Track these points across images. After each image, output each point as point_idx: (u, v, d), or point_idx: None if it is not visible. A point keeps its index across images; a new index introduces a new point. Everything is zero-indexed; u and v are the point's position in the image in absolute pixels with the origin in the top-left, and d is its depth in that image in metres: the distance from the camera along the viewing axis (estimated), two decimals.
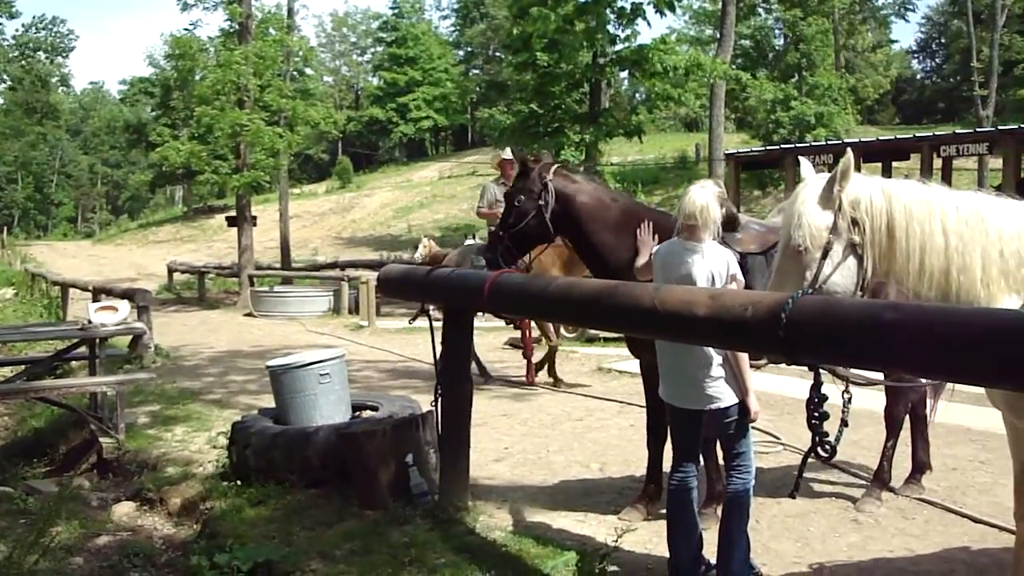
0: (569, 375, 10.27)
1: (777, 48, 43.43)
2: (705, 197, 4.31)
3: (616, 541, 4.75)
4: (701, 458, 4.94)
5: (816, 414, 3.22)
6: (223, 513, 5.84)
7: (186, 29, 25.02)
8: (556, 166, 5.51)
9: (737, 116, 44.27)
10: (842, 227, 3.41)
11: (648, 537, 5.14)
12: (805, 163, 3.79)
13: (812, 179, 3.56)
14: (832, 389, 3.46)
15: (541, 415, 8.56)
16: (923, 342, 2.63)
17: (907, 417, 5.82)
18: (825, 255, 3.40)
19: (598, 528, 5.32)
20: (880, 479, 5.76)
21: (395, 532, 5.19)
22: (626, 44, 23.10)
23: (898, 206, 3.45)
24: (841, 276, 3.41)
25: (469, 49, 74.91)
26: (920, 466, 5.89)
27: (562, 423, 8.20)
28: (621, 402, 8.75)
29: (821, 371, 3.34)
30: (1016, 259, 3.49)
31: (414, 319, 5.94)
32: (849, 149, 3.54)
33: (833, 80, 36.72)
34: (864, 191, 3.46)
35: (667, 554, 4.55)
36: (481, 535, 5.20)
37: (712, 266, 4.24)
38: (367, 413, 6.90)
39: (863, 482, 5.99)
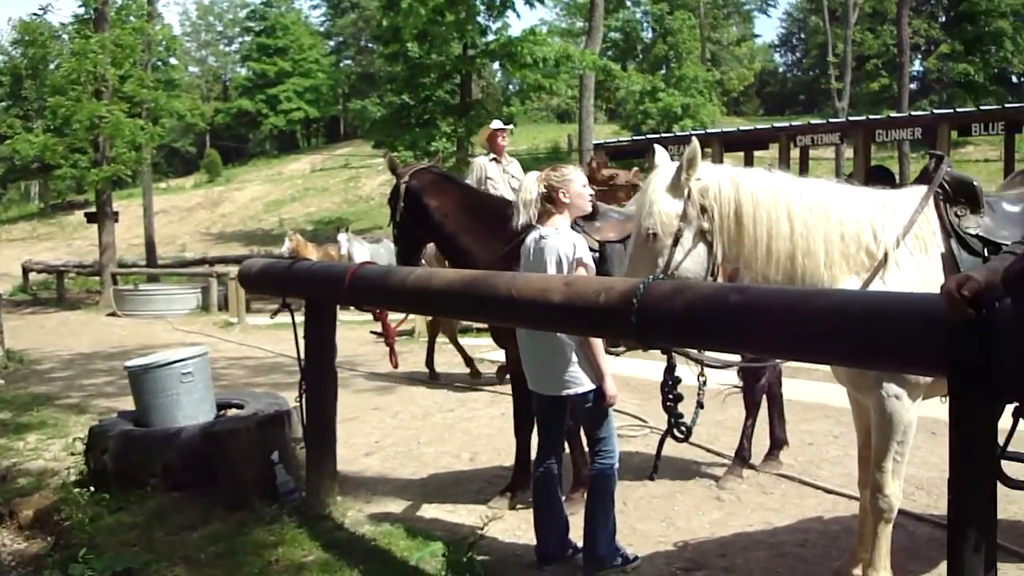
0: (442, 366, 10.27)
1: (645, 41, 44.39)
2: (526, 180, 4.47)
3: (483, 530, 4.77)
4: (567, 445, 5.03)
5: (670, 397, 3.29)
6: (79, 523, 5.59)
7: (35, 14, 23.85)
8: (416, 168, 5.58)
9: (608, 107, 45.03)
10: (692, 214, 3.51)
11: (517, 524, 5.17)
12: (660, 151, 3.87)
13: (663, 168, 3.64)
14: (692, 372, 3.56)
15: (412, 407, 8.53)
16: (766, 323, 2.73)
17: (764, 397, 6.04)
18: (676, 242, 3.49)
19: (468, 518, 5.32)
20: (741, 457, 5.96)
21: (262, 532, 5.08)
22: (497, 36, 23.20)
23: (745, 193, 3.57)
24: (692, 262, 3.50)
25: (340, 39, 73.73)
26: (778, 443, 6.12)
27: (433, 415, 8.19)
28: (493, 391, 8.80)
29: (677, 354, 3.44)
30: (856, 243, 3.66)
31: (275, 314, 5.82)
32: (694, 138, 3.63)
33: (699, 72, 37.79)
34: (712, 179, 3.56)
35: (535, 541, 4.61)
36: (349, 530, 5.15)
37: (560, 249, 4.32)
38: (233, 411, 6.72)
39: (726, 461, 6.19)
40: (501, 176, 8.00)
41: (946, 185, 3.88)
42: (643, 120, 33.62)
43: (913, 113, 17.29)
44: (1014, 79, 54.30)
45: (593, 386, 4.34)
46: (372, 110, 26.67)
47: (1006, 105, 11.48)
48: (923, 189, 3.88)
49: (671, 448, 5.84)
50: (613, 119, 44.23)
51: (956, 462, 2.40)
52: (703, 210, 3.51)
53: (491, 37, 23.03)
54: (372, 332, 12.18)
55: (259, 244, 32.42)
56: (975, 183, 3.93)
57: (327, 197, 44.63)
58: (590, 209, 4.73)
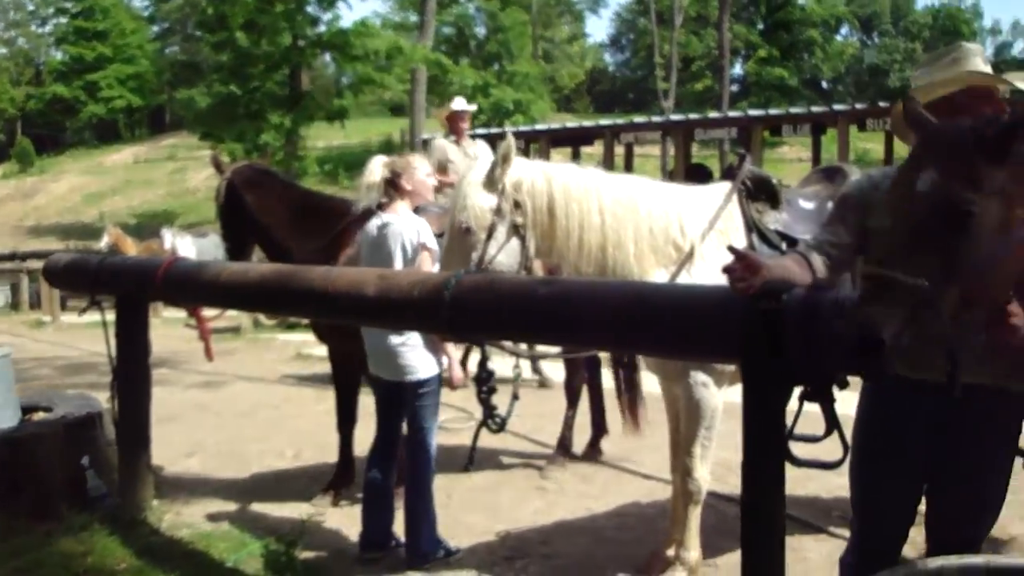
0: (268, 363, 10.05)
1: (478, 37, 44.66)
2: (371, 163, 4.52)
3: (304, 527, 4.70)
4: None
5: (484, 389, 3.32)
6: None
7: None
8: (238, 165, 5.54)
9: (442, 102, 45.14)
10: (505, 209, 3.56)
11: (340, 521, 5.12)
12: (482, 145, 3.90)
13: (478, 163, 3.69)
14: (526, 364, 3.62)
15: (237, 405, 8.31)
16: (573, 315, 2.79)
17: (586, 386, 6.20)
18: (490, 236, 3.53)
19: (291, 516, 5.23)
20: (563, 447, 6.10)
21: (70, 542, 4.81)
22: (327, 27, 22.82)
23: (558, 187, 3.65)
24: (506, 256, 3.56)
25: (165, 25, 70.64)
26: (599, 431, 6.28)
27: (258, 412, 8.01)
28: (322, 387, 8.66)
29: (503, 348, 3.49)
30: (664, 236, 3.81)
31: (84, 311, 5.55)
32: (509, 134, 3.68)
33: (531, 69, 38.33)
34: (526, 174, 3.63)
35: (358, 535, 4.59)
36: (165, 535, 4.96)
37: (404, 234, 4.34)
38: (40, 415, 6.33)
39: (550, 451, 6.31)
40: (463, 159, 7.31)
41: (748, 183, 4.09)
42: (475, 115, 33.91)
43: (729, 114, 18.15)
44: (824, 84, 57.88)
45: (432, 374, 4.36)
46: (199, 100, 25.67)
47: (812, 109, 12.26)
48: (727, 186, 4.08)
49: (497, 440, 5.95)
50: None
51: (748, 444, 2.52)
52: (516, 204, 3.57)
53: (322, 28, 22.68)
54: (187, 325, 11.77)
55: (77, 238, 30.66)
56: (773, 181, 4.17)
57: (151, 190, 42.75)
58: (432, 198, 4.76)
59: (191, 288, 4.42)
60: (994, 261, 2.04)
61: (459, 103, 7.76)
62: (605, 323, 2.74)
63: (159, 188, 42.53)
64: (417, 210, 5.01)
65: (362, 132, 43.76)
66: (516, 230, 3.57)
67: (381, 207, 4.49)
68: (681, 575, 4.12)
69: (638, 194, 3.82)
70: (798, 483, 5.49)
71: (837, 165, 4.92)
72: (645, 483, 5.75)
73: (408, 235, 4.34)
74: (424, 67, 23.04)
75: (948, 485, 2.74)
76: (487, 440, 5.72)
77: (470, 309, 2.95)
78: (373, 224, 4.48)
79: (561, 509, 5.34)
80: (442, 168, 7.30)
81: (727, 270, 2.48)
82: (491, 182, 3.56)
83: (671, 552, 4.28)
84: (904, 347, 2.02)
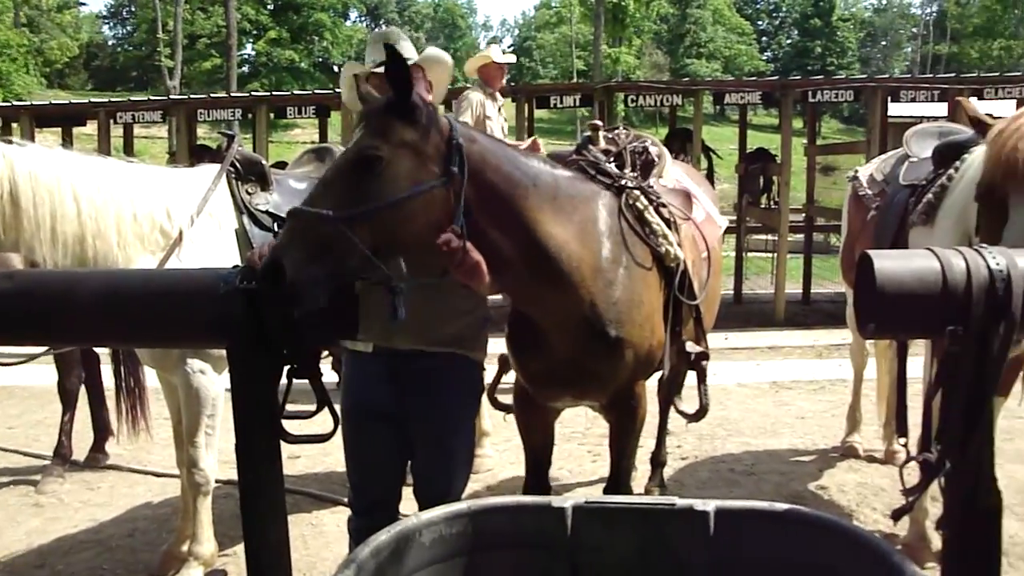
0: None
1: None
2: None
3: None
4: None
5: None
6: None
7: None
8: None
9: None
10: None
11: None
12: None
13: None
14: None
15: None
16: (40, 311, 2.55)
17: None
18: None
19: None
20: (60, 455, 5.60)
21: None
22: None
23: (22, 172, 3.34)
24: None
25: None
26: (104, 434, 5.87)
27: None
28: None
29: None
30: (150, 222, 3.65)
31: None
32: None
33: (12, 38, 34.60)
34: None
35: None
36: None
37: None
38: None
39: (47, 462, 5.76)
40: (497, 116, 6.36)
41: (238, 164, 4.05)
42: None
43: (234, 95, 17.92)
44: (336, 68, 59.57)
45: None
46: None
47: (316, 91, 12.56)
48: (216, 168, 4.00)
49: None
50: None
51: (241, 427, 2.47)
52: None
53: None
54: None
55: None
56: (263, 162, 4.17)
57: None
58: None
59: None
60: (401, 203, 2.39)
61: (497, 53, 6.56)
62: (81, 317, 2.54)
63: None
64: None
65: None
66: None
67: None
68: (196, 570, 4.03)
69: (119, 179, 3.63)
70: (315, 460, 5.63)
71: (326, 145, 5.07)
72: (157, 482, 5.51)
73: None
74: None
75: (419, 442, 2.94)
76: None
77: None
78: None
79: (62, 524, 4.92)
80: (479, 124, 6.21)
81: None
82: None
83: (184, 548, 4.15)
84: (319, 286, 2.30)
